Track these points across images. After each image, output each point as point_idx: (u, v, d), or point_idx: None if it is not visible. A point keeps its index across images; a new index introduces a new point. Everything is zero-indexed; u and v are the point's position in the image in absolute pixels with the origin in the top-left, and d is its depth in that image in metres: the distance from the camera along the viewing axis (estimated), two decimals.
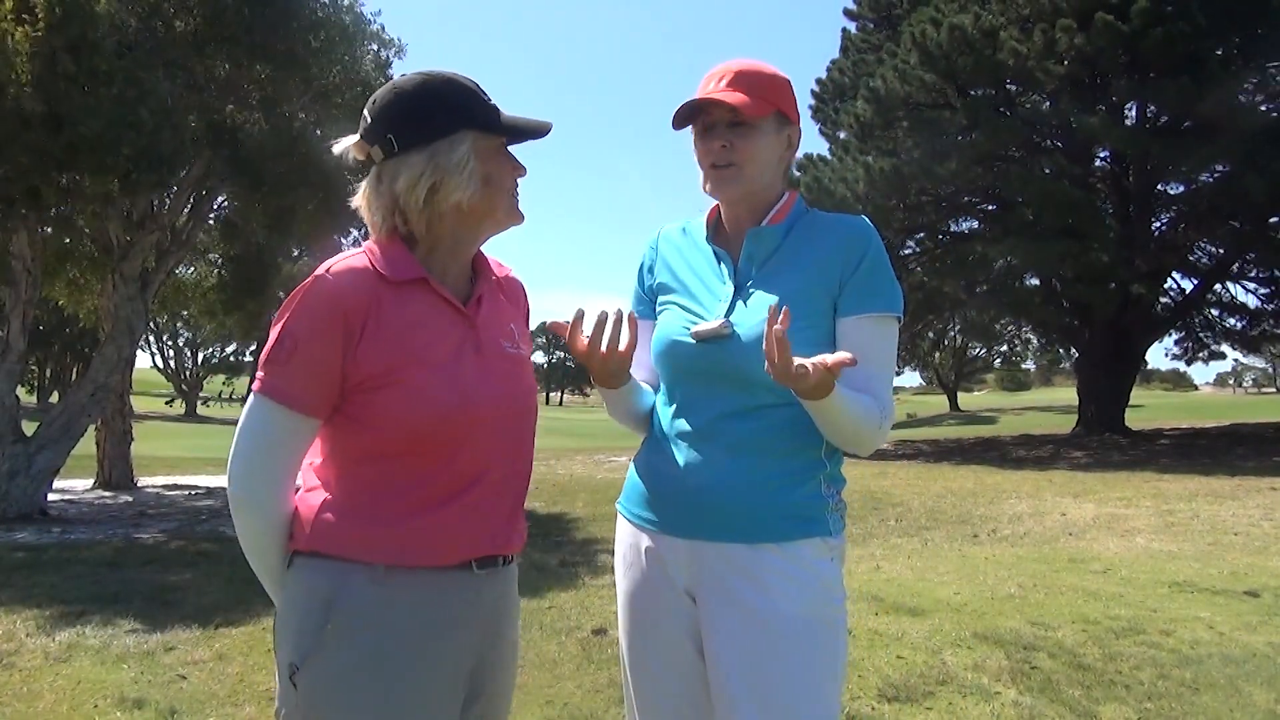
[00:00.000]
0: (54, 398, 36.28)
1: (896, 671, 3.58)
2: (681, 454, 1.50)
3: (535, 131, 1.34)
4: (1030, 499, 9.48)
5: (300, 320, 1.25)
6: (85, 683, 3.54)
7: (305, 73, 8.86)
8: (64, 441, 8.56)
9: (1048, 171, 16.28)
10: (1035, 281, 19.40)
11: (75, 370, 35.77)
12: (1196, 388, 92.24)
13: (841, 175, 16.44)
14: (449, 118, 1.28)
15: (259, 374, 1.27)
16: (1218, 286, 19.22)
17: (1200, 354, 21.58)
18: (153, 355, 42.14)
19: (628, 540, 1.58)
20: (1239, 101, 14.54)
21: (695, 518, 1.46)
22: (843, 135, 18.33)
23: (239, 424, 1.28)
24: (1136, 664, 3.67)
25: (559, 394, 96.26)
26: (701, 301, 1.54)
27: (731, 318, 1.48)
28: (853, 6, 20.25)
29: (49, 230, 9.25)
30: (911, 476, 12.16)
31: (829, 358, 1.26)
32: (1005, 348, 47.64)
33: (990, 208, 18.77)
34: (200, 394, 45.11)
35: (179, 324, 34.60)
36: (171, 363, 43.92)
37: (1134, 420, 19.49)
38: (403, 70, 10.94)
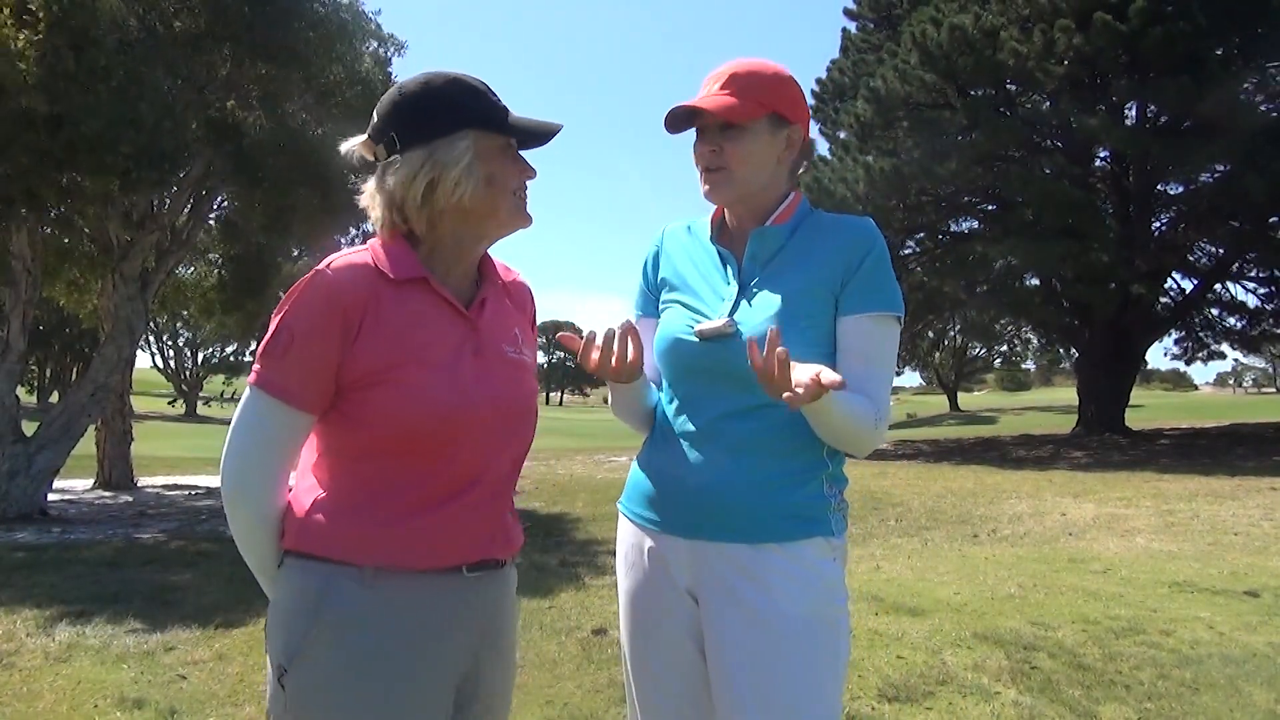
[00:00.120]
0: (54, 398, 36.28)
1: (896, 671, 3.58)
2: (683, 454, 1.49)
3: (542, 133, 1.33)
4: (1030, 499, 9.48)
5: (298, 314, 1.24)
6: (85, 683, 3.54)
7: (306, 70, 8.86)
8: (64, 441, 8.56)
9: (1048, 171, 16.28)
10: (1035, 281, 19.40)
11: (75, 370, 35.77)
12: (1196, 388, 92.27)
13: (841, 175, 16.43)
14: (450, 116, 1.28)
15: (255, 366, 1.27)
16: (1218, 286, 19.23)
17: (1200, 354, 21.59)
18: (153, 355, 42.16)
19: (629, 540, 1.57)
20: (1239, 101, 14.52)
21: (697, 517, 1.46)
22: (843, 135, 18.32)
23: (234, 418, 1.28)
24: (1136, 664, 3.67)
25: (559, 394, 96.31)
26: (705, 300, 1.54)
27: (735, 316, 1.48)
28: (853, 6, 20.25)
29: (49, 230, 9.26)
30: (911, 476, 12.16)
31: (823, 375, 1.23)
32: (1005, 348, 47.66)
33: (990, 208, 18.77)
34: (200, 394, 45.12)
35: (179, 324, 34.64)
36: (171, 363, 43.93)
37: (1134, 420, 19.49)
38: (403, 69, 10.97)
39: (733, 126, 1.48)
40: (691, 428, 1.50)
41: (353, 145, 1.34)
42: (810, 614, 1.41)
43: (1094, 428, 17.88)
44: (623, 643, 1.59)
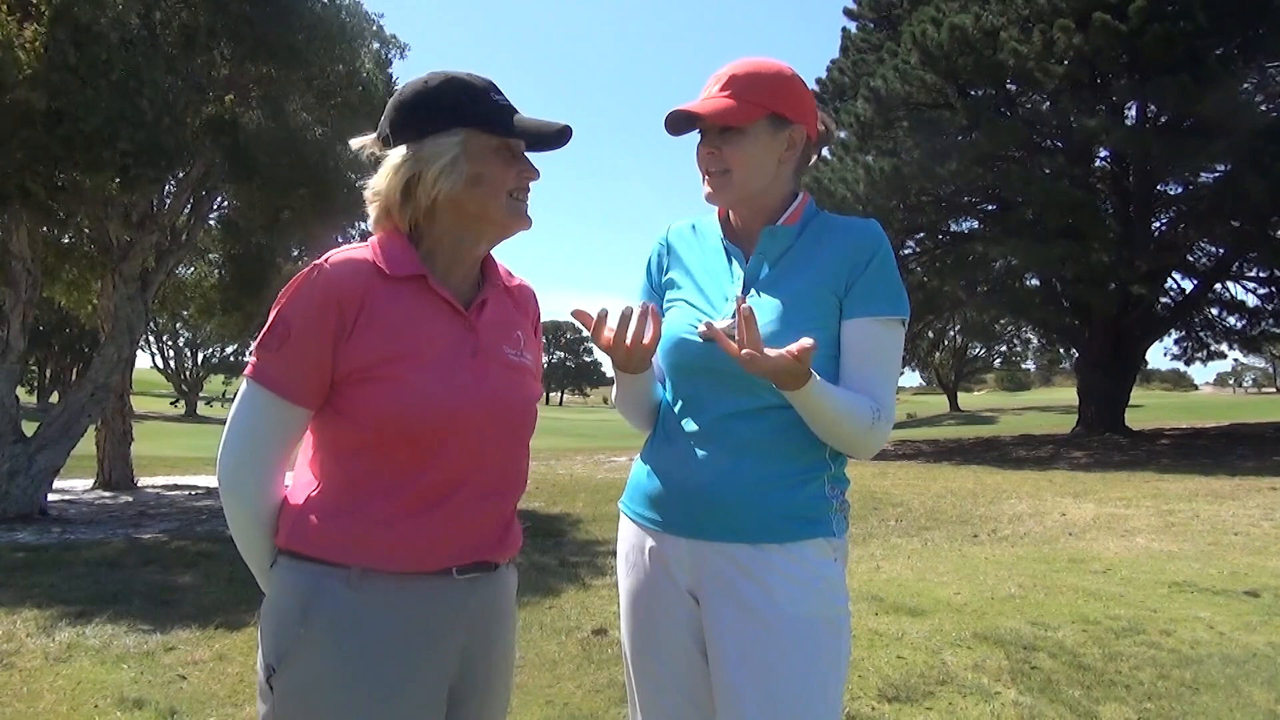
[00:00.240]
0: (54, 398, 36.26)
1: (896, 671, 3.58)
2: (685, 453, 1.49)
3: (547, 135, 1.32)
4: (1030, 499, 9.48)
5: (294, 308, 1.24)
6: (85, 683, 3.54)
7: (306, 71, 8.86)
8: (64, 441, 8.56)
9: (1048, 171, 16.27)
10: (1035, 281, 19.41)
11: (75, 370, 35.78)
12: (1196, 388, 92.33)
13: (841, 175, 16.44)
14: (442, 114, 1.28)
15: (251, 358, 1.27)
16: (1218, 286, 19.24)
17: (1200, 354, 21.59)
18: (153, 355, 42.18)
19: (631, 540, 1.57)
20: (1239, 101, 14.53)
21: (698, 517, 1.46)
22: (843, 135, 18.33)
23: (231, 411, 1.28)
24: (1136, 664, 3.67)
25: (559, 394, 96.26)
26: (710, 299, 1.54)
27: None
28: (853, 6, 20.25)
29: (49, 230, 9.25)
30: (911, 476, 12.16)
31: (793, 346, 1.28)
32: (1005, 348, 47.70)
33: (990, 208, 18.78)
34: (201, 394, 45.13)
35: (179, 324, 34.62)
36: (171, 363, 43.95)
37: (1134, 420, 19.50)
38: (404, 71, 10.97)
39: (731, 129, 1.48)
40: (694, 427, 1.50)
41: (363, 142, 1.35)
42: (811, 614, 1.41)
43: (1094, 428, 17.88)
44: (623, 643, 1.58)
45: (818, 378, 1.35)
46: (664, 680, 1.51)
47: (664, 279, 1.64)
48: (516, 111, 1.32)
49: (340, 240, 9.97)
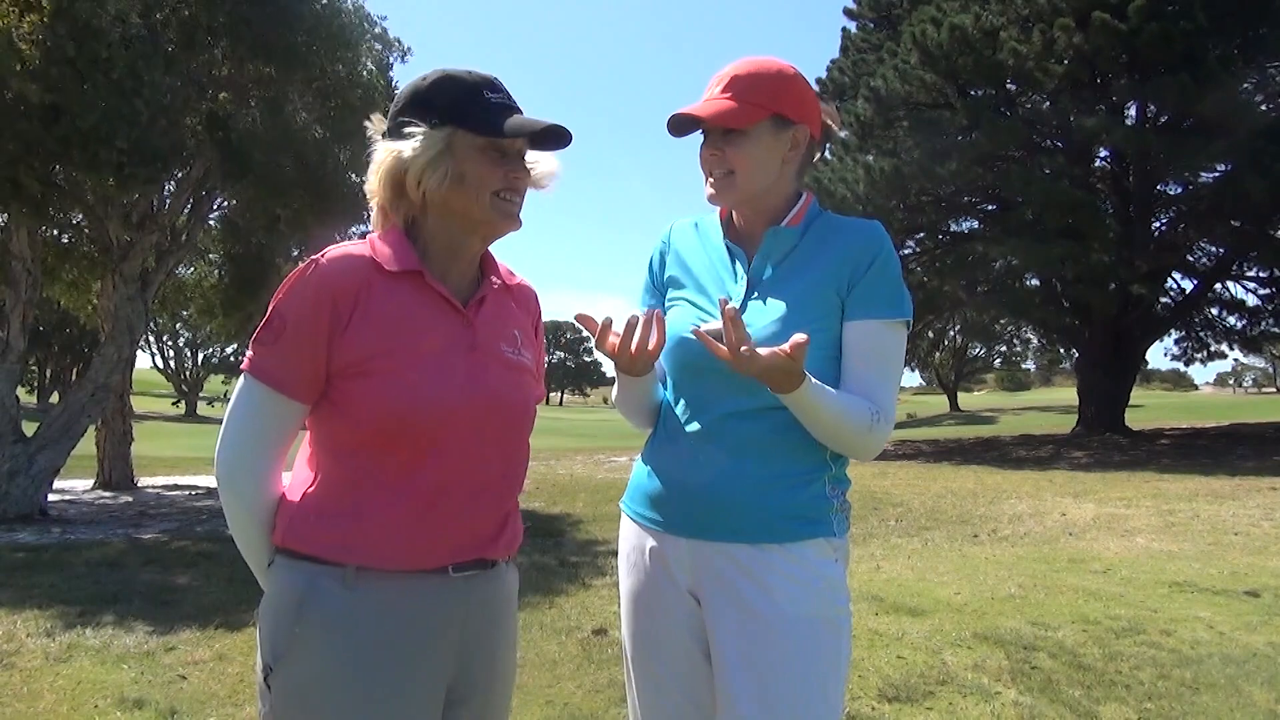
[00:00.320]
0: (54, 398, 36.27)
1: (896, 671, 3.58)
2: (686, 453, 1.49)
3: (543, 136, 1.30)
4: (1030, 499, 9.48)
5: (290, 302, 1.25)
6: (85, 683, 3.54)
7: (306, 71, 8.85)
8: (64, 441, 8.56)
9: (1048, 171, 16.27)
10: (1035, 282, 19.41)
11: (75, 370, 35.78)
12: (1196, 388, 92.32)
13: (841, 175, 16.44)
14: (431, 112, 1.27)
15: (248, 352, 1.27)
16: (1218, 286, 19.23)
17: (1200, 354, 21.59)
18: (153, 355, 42.22)
19: (631, 540, 1.57)
20: (1239, 101, 14.53)
21: (699, 518, 1.46)
22: (843, 135, 18.32)
23: (228, 407, 1.29)
24: (1136, 664, 3.67)
25: (559, 394, 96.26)
26: (712, 299, 1.53)
27: (744, 317, 1.46)
28: (853, 6, 20.25)
29: (47, 229, 9.24)
30: (911, 476, 12.16)
31: (786, 344, 1.28)
32: (1005, 348, 47.70)
33: (990, 208, 18.78)
34: (201, 394, 45.14)
35: (179, 324, 34.65)
36: (171, 363, 43.96)
37: (1134, 420, 19.50)
38: (405, 73, 10.97)
39: (733, 131, 1.47)
40: (695, 427, 1.49)
41: (372, 135, 1.36)
42: (812, 614, 1.41)
43: (1094, 428, 17.88)
44: (624, 642, 1.58)
45: (812, 379, 1.35)
46: (664, 680, 1.51)
47: (666, 277, 1.63)
48: (515, 110, 1.31)
49: (339, 239, 9.97)
